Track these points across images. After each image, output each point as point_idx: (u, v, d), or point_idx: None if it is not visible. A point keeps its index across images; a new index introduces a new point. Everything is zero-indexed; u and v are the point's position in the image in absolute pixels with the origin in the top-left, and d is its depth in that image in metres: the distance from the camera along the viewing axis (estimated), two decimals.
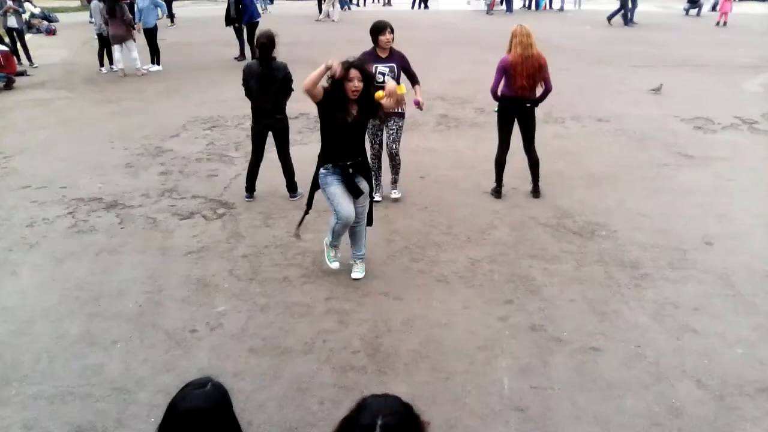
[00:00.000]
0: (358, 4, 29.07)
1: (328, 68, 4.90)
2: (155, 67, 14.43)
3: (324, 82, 5.06)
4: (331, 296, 5.19)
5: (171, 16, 21.38)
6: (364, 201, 5.38)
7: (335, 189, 5.19)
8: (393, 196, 7.05)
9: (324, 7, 23.40)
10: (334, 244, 5.50)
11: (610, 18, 21.49)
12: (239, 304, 5.09)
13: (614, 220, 6.51)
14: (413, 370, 4.30)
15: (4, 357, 4.45)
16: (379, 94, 5.12)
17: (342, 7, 24.90)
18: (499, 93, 6.81)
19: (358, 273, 5.50)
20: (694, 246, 5.95)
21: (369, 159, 5.64)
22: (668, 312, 4.91)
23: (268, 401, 4.00)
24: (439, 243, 6.09)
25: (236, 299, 5.16)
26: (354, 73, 4.97)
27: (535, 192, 7.09)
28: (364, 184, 5.33)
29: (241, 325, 4.80)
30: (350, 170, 5.22)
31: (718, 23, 21.25)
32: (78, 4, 28.40)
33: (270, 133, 6.99)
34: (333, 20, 22.58)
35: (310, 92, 4.94)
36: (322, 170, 5.24)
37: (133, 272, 5.59)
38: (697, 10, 23.96)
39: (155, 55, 14.55)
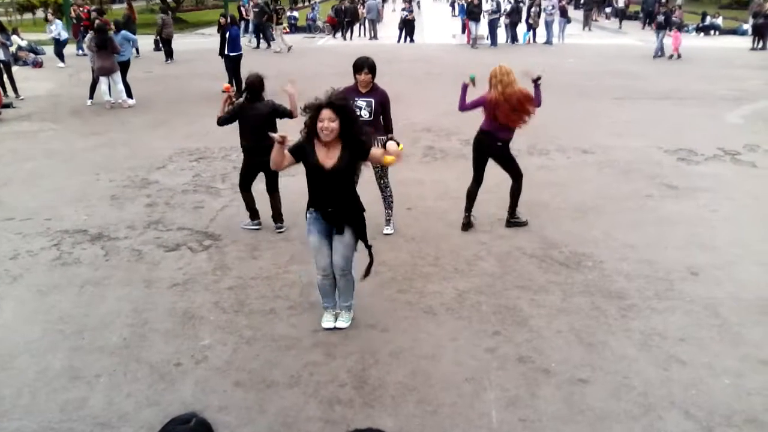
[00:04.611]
0: (344, 38, 29.36)
1: (281, 143, 4.59)
2: (130, 101, 14.10)
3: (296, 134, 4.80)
4: (317, 329, 5.14)
5: (168, 51, 21.24)
6: (347, 251, 4.90)
7: (313, 239, 4.92)
8: (385, 232, 6.97)
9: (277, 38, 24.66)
10: (324, 305, 5.19)
11: None
12: (225, 337, 5.04)
13: (600, 250, 6.54)
14: (400, 403, 4.26)
15: None
16: (387, 159, 4.91)
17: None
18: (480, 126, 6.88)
19: (342, 322, 5.15)
20: (680, 276, 5.98)
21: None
22: (655, 342, 4.92)
23: None
24: (426, 274, 6.09)
25: (222, 332, 5.11)
26: (325, 113, 4.49)
27: (508, 222, 7.13)
28: (345, 233, 4.85)
29: (226, 358, 4.75)
30: (329, 210, 4.80)
31: (671, 56, 21.25)
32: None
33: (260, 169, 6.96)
34: (278, 51, 23.42)
35: (282, 168, 4.81)
36: (307, 214, 4.95)
37: (117, 305, 5.53)
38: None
39: (127, 89, 14.21)
